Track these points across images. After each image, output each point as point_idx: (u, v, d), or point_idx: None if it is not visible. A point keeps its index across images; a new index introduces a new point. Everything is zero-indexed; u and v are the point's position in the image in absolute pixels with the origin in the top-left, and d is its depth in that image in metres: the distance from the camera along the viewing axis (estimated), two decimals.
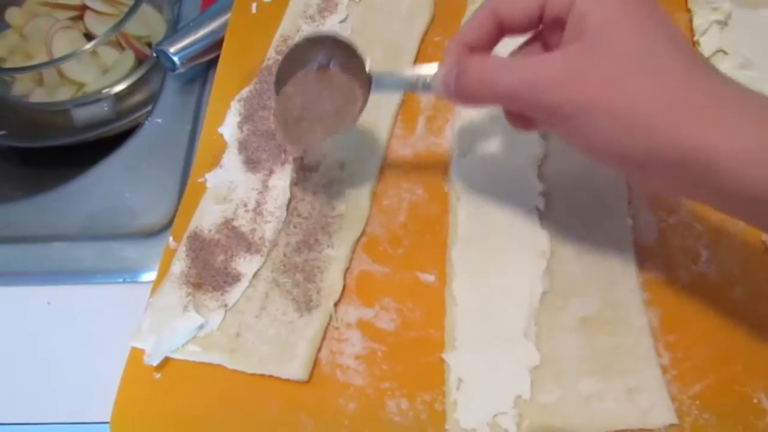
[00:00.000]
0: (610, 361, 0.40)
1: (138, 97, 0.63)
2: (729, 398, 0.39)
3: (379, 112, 0.51)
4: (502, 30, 0.37)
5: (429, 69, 0.38)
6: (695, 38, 0.54)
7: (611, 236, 0.45)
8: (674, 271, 0.44)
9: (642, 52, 0.31)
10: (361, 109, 0.42)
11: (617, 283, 0.43)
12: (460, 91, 0.36)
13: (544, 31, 0.37)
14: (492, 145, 0.49)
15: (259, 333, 0.41)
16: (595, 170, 0.47)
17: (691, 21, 0.54)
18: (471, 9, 0.56)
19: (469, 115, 0.50)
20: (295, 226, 0.46)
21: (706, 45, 0.54)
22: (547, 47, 0.38)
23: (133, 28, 0.62)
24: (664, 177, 0.33)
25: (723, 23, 0.53)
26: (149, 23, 0.65)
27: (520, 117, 0.39)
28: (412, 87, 0.40)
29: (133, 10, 0.60)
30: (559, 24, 0.34)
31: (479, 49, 0.37)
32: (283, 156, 0.48)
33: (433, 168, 0.49)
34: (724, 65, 0.52)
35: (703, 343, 0.41)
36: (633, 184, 0.46)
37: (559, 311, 0.42)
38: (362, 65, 0.41)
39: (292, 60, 0.43)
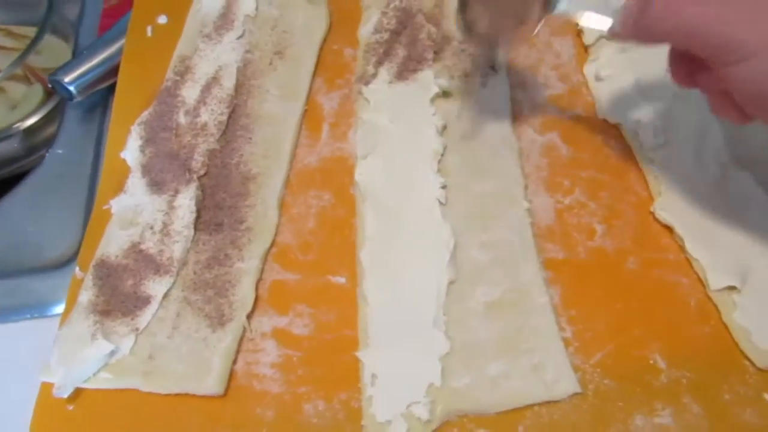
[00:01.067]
0: (516, 341, 0.42)
1: (50, 131, 0.62)
2: (628, 362, 0.41)
3: (283, 123, 0.52)
4: None
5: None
6: (578, 26, 0.57)
7: (511, 222, 0.47)
8: (572, 249, 0.46)
9: None
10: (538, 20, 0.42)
11: (519, 266, 0.45)
12: (644, 23, 0.35)
13: None
14: (393, 145, 0.50)
15: (173, 353, 0.41)
16: (492, 160, 0.50)
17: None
18: (366, 15, 0.58)
19: (369, 118, 0.51)
20: (204, 243, 0.46)
21: (590, 32, 0.56)
22: None
23: (38, 60, 0.61)
24: None
25: None
26: (56, 54, 0.64)
27: (684, 66, 0.39)
28: (590, 19, 0.40)
29: (35, 42, 0.59)
30: None
31: None
32: (187, 175, 0.48)
33: (338, 173, 0.50)
34: (606, 50, 0.55)
35: (602, 314, 0.43)
36: None
37: (466, 299, 0.44)
38: None
39: None
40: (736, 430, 0.38)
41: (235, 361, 0.42)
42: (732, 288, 0.43)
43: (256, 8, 0.57)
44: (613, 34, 0.39)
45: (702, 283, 0.44)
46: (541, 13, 0.42)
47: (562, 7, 0.42)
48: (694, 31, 0.34)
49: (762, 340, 0.41)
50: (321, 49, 0.57)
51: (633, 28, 0.37)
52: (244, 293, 0.44)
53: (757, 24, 0.32)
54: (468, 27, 0.45)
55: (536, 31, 0.43)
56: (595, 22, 0.40)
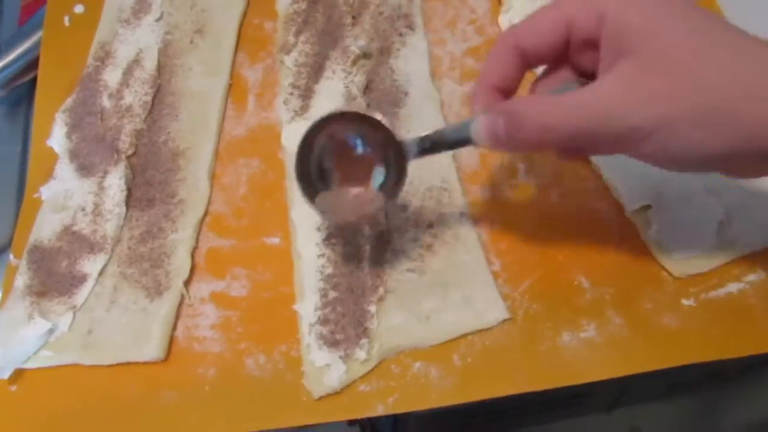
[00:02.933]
0: (447, 277, 0.43)
1: None
2: (554, 286, 0.43)
3: (208, 99, 0.53)
4: (526, 64, 0.35)
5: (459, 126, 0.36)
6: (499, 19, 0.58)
7: (436, 170, 0.48)
8: (497, 189, 0.48)
9: (699, 44, 0.29)
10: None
11: (446, 209, 0.46)
12: (514, 140, 0.33)
13: (573, 55, 0.35)
14: (316, 107, 0.51)
15: (112, 325, 0.42)
16: (415, 114, 0.51)
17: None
18: None
19: (292, 83, 0.52)
20: (137, 220, 0.47)
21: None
22: (580, 70, 0.35)
23: None
24: (750, 163, 0.31)
25: None
26: None
27: (573, 150, 0.38)
28: (451, 146, 0.37)
29: None
30: (589, 45, 0.33)
31: (506, 89, 0.36)
32: (115, 156, 0.48)
33: (266, 140, 0.51)
34: (516, 0, 0.57)
35: (528, 245, 0.45)
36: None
37: (397, 244, 0.45)
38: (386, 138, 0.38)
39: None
40: (655, 334, 0.40)
41: (175, 327, 0.43)
42: (646, 207, 0.45)
43: None
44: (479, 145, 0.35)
45: (620, 206, 0.46)
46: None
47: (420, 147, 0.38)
48: (578, 137, 0.31)
49: (676, 251, 0.43)
50: (242, 24, 0.57)
51: (507, 145, 0.34)
52: (180, 262, 0.45)
53: (637, 109, 0.30)
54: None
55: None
56: (460, 145, 0.37)
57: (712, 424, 0.56)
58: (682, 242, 0.43)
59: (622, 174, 0.47)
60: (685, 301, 0.41)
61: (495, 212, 0.47)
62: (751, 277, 0.42)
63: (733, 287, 0.42)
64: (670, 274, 0.43)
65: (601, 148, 0.35)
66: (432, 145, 0.37)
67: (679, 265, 0.43)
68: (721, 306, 0.41)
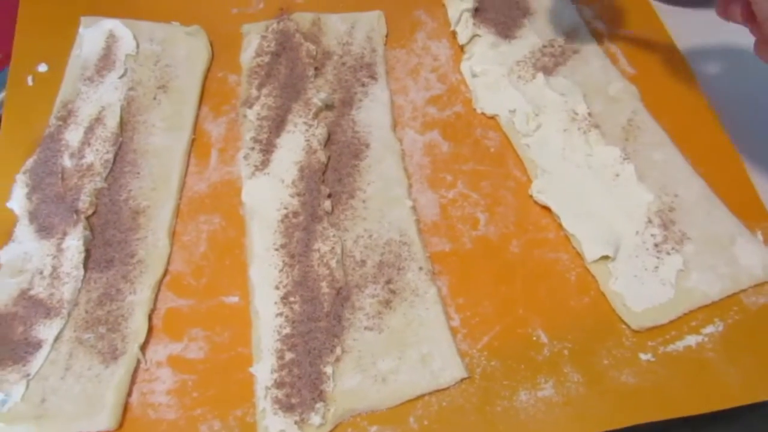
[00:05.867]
0: (406, 336, 0.43)
1: None
2: (513, 341, 0.43)
3: (170, 155, 0.53)
4: None
5: None
6: (451, 28, 0.59)
7: (395, 222, 0.48)
8: (458, 240, 0.48)
9: None
10: None
11: (405, 263, 0.46)
12: None
13: None
14: (276, 161, 0.51)
15: (65, 394, 0.41)
16: (375, 166, 0.51)
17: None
18: (247, 41, 0.59)
19: (254, 137, 0.53)
20: (95, 281, 0.46)
21: (462, 33, 0.59)
22: None
23: None
24: None
25: (471, 10, 0.59)
26: None
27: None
28: None
29: None
30: None
31: None
32: (74, 216, 0.48)
33: (228, 195, 0.51)
34: (478, 47, 0.57)
35: (488, 299, 0.45)
36: None
37: (355, 302, 0.45)
38: None
39: None
40: (612, 391, 0.40)
41: (130, 393, 0.42)
42: (606, 258, 0.45)
43: (137, 46, 0.58)
44: None
45: (580, 257, 0.46)
46: None
47: None
48: None
49: (635, 303, 0.43)
50: (205, 78, 0.58)
51: None
52: (137, 325, 0.44)
53: None
54: None
55: None
56: None
57: None
58: (641, 292, 0.43)
59: (582, 223, 0.47)
60: (643, 356, 0.41)
61: (455, 265, 0.47)
62: (709, 329, 0.42)
63: (691, 340, 0.41)
64: (628, 326, 0.42)
65: None
66: None
67: (638, 317, 0.42)
68: (679, 360, 0.41)
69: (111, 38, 0.58)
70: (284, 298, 0.45)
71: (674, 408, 0.38)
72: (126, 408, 0.42)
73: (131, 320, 0.45)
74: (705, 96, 0.53)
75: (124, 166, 0.52)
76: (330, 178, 0.51)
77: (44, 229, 0.48)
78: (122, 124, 0.54)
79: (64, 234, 0.48)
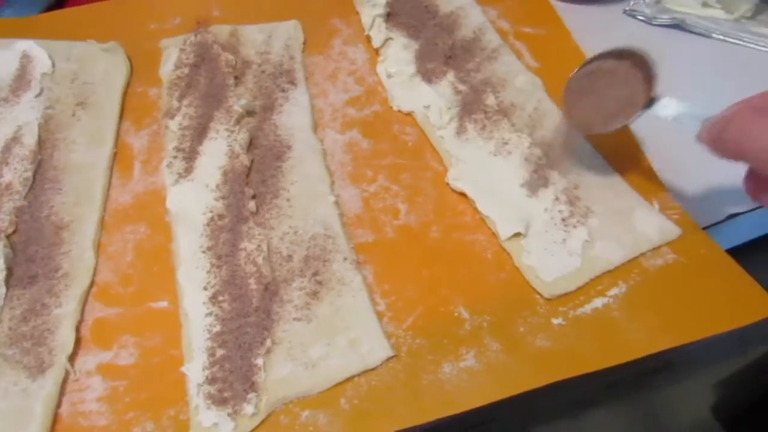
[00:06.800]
0: (334, 323, 0.44)
1: None
2: (436, 319, 0.45)
3: (92, 170, 0.53)
4: None
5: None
6: (366, 33, 0.62)
7: (320, 217, 0.50)
8: (381, 231, 0.50)
9: None
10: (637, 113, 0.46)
11: (330, 255, 0.48)
12: (720, 139, 0.37)
13: None
14: (200, 168, 0.52)
15: None
16: (298, 166, 0.53)
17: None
18: (166, 54, 0.60)
19: (177, 146, 0.53)
20: (18, 298, 0.46)
21: (376, 37, 0.62)
22: None
23: None
24: None
25: (383, 15, 0.62)
26: None
27: (754, 181, 0.40)
28: (679, 121, 0.43)
29: None
30: None
31: None
32: None
33: (152, 205, 0.52)
34: (392, 50, 0.60)
35: (411, 283, 0.47)
36: None
37: (284, 295, 0.46)
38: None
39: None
40: (529, 355, 0.42)
41: (60, 405, 0.42)
42: (518, 235, 0.48)
43: (53, 65, 0.58)
44: (698, 141, 0.40)
45: (495, 236, 0.49)
46: (639, 111, 0.46)
47: (662, 111, 0.44)
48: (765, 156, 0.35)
49: (546, 274, 0.46)
50: (126, 93, 0.58)
51: (712, 145, 0.38)
52: (64, 337, 0.44)
53: None
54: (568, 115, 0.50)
55: (630, 122, 0.46)
56: (687, 125, 0.42)
57: None
58: (551, 264, 0.46)
59: (495, 205, 0.49)
60: (555, 321, 0.44)
61: (379, 254, 0.49)
62: (614, 291, 0.45)
63: (598, 302, 0.44)
64: (541, 295, 0.45)
65: None
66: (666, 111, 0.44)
67: (549, 286, 0.45)
68: (588, 322, 0.43)
69: (25, 58, 0.58)
70: (213, 298, 0.46)
71: (586, 364, 0.41)
72: (56, 419, 0.41)
73: (58, 333, 0.44)
74: None
75: (45, 183, 0.52)
76: (254, 180, 0.52)
77: None
78: (41, 142, 0.54)
79: None
